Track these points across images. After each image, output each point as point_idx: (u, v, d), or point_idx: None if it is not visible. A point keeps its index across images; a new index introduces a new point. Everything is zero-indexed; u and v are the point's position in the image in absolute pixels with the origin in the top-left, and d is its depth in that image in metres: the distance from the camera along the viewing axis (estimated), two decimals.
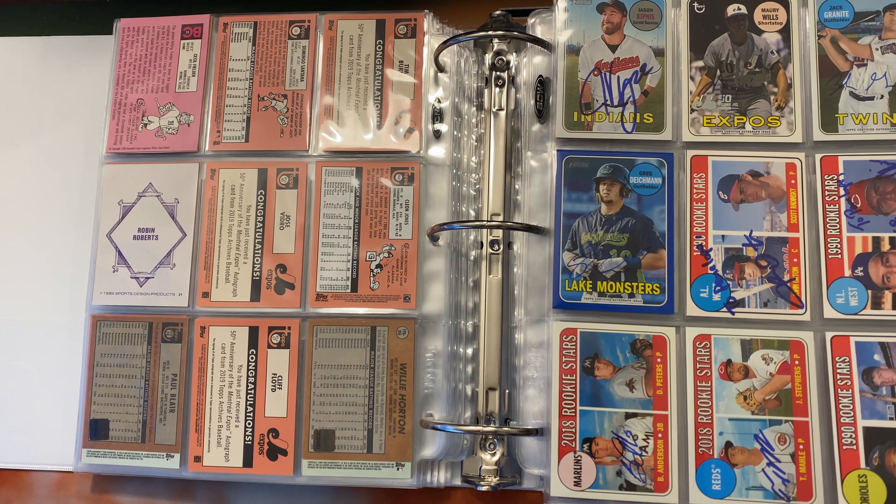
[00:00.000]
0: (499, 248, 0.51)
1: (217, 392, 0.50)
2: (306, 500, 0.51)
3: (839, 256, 0.47)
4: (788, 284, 0.47)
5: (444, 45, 0.51)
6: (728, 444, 0.45)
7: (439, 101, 0.53)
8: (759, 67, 0.50)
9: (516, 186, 0.52)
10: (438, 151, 0.52)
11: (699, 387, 0.46)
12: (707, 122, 0.49)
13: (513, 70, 0.53)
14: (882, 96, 0.48)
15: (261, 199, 0.52)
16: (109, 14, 0.57)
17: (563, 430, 0.46)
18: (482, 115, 0.54)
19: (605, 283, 0.48)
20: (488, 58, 0.54)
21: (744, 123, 0.49)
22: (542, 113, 0.51)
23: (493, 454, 0.49)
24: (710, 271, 0.47)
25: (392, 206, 0.51)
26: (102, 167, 0.54)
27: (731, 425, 0.46)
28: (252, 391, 0.50)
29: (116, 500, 0.52)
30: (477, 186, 0.53)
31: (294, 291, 0.51)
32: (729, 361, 0.46)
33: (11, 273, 0.56)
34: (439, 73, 0.53)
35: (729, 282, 0.47)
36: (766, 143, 0.49)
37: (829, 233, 0.47)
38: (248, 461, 0.49)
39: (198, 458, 0.50)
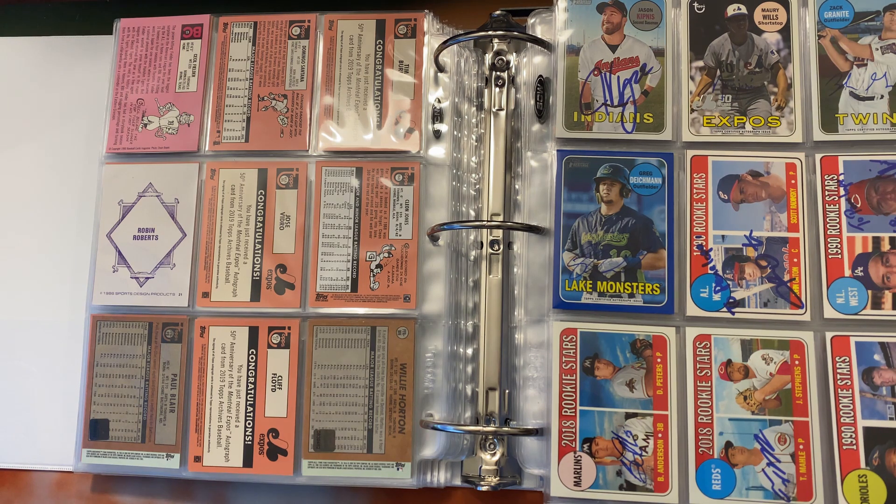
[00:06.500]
0: (499, 248, 0.51)
1: (217, 392, 0.50)
2: (306, 500, 0.51)
3: (839, 256, 0.47)
4: (788, 284, 0.47)
5: (444, 45, 0.51)
6: (728, 444, 0.45)
7: (439, 101, 0.53)
8: (759, 67, 0.50)
9: (516, 186, 0.52)
10: (438, 151, 0.52)
11: (699, 387, 0.46)
12: (707, 122, 0.49)
13: (513, 70, 0.53)
14: (882, 96, 0.48)
15: (261, 199, 0.52)
16: (109, 14, 0.57)
17: (563, 430, 0.46)
18: (482, 115, 0.54)
19: (605, 283, 0.48)
20: (488, 58, 0.54)
21: (744, 123, 0.49)
22: (542, 113, 0.51)
23: (493, 454, 0.49)
24: (710, 271, 0.47)
25: (392, 206, 0.51)
26: (102, 167, 0.54)
27: (731, 425, 0.46)
28: (252, 391, 0.50)
29: (116, 500, 0.52)
30: (477, 186, 0.53)
31: (294, 291, 0.51)
32: (729, 361, 0.46)
33: (11, 273, 0.56)
34: (439, 73, 0.53)
35: (729, 282, 0.47)
36: (766, 143, 0.49)
37: (829, 233, 0.47)
38: (248, 461, 0.49)
39: (198, 458, 0.50)
